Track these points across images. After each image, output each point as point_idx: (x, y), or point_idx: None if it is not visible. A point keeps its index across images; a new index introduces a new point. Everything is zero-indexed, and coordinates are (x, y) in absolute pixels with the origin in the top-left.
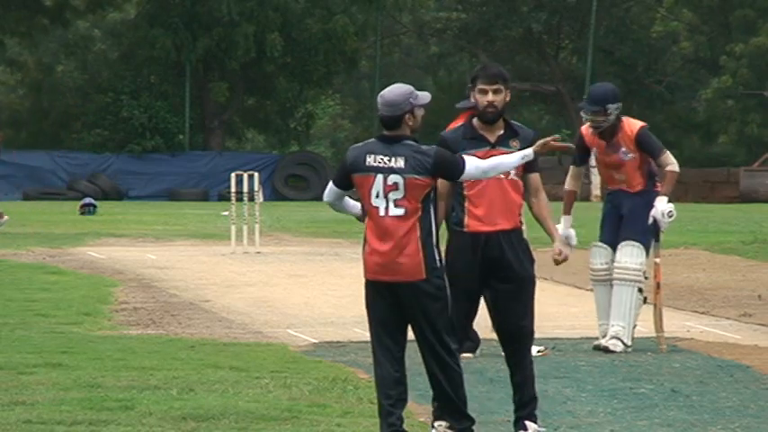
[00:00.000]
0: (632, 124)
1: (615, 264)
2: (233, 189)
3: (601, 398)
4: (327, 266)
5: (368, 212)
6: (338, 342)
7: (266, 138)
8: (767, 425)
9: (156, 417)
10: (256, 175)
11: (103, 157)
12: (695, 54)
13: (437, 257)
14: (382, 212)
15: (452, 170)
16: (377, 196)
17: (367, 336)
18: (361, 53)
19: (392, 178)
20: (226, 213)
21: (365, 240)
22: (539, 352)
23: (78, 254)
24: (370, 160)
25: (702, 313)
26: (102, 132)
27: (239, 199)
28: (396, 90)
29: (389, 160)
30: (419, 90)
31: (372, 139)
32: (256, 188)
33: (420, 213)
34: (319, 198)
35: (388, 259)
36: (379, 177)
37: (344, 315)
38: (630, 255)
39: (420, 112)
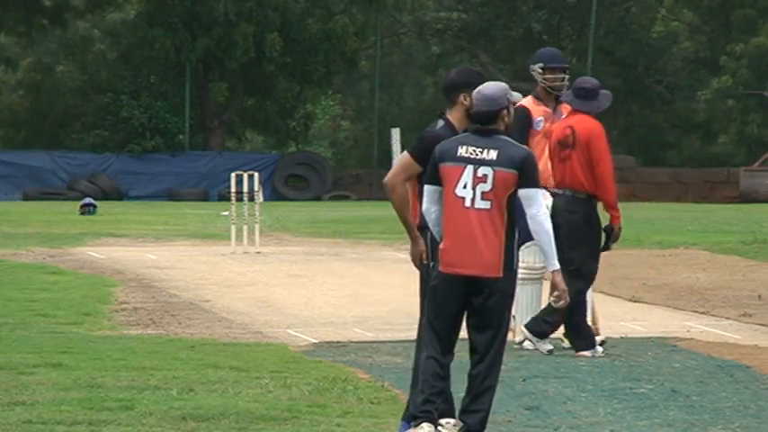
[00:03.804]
0: None
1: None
2: (233, 189)
3: (601, 398)
4: (327, 266)
5: (448, 204)
6: (338, 342)
7: (265, 138)
8: (767, 425)
9: (156, 417)
10: (256, 175)
11: (103, 157)
12: (695, 54)
13: (515, 259)
14: (468, 204)
15: (531, 178)
16: (464, 187)
17: (367, 336)
18: (361, 53)
19: (482, 170)
20: (226, 213)
21: (441, 232)
22: (548, 352)
23: (78, 254)
24: (461, 151)
25: (702, 313)
26: (101, 133)
27: (239, 199)
28: (494, 86)
29: (482, 152)
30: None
31: (465, 133)
32: (256, 188)
33: (505, 210)
34: (319, 198)
35: (467, 252)
36: (470, 168)
37: (344, 315)
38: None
39: (512, 110)
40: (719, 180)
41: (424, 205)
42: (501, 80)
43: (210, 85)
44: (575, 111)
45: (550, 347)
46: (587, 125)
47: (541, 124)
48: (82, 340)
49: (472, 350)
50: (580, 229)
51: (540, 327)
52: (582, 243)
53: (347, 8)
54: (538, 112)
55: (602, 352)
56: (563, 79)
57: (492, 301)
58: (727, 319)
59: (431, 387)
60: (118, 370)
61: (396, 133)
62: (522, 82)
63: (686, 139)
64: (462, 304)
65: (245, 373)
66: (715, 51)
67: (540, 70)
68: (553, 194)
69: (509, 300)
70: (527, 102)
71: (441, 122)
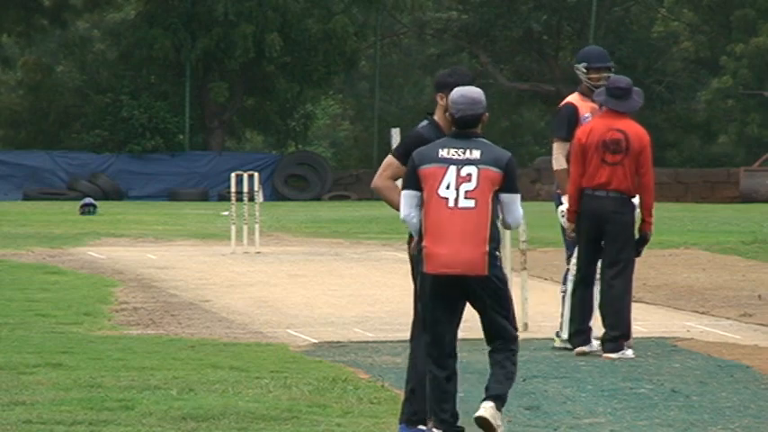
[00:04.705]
0: None
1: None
2: (233, 189)
3: (601, 398)
4: (327, 266)
5: (431, 205)
6: (338, 342)
7: (265, 138)
8: (767, 425)
9: (156, 417)
10: (256, 175)
11: (103, 157)
12: (695, 54)
13: (497, 253)
14: (451, 204)
15: (513, 182)
16: (447, 187)
17: (367, 336)
18: (361, 53)
19: (466, 169)
20: (226, 213)
21: (423, 234)
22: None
23: (78, 254)
24: (443, 153)
25: (702, 313)
26: (101, 133)
27: (239, 199)
28: (475, 89)
29: (464, 152)
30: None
31: (442, 138)
32: (256, 188)
33: (488, 208)
34: (319, 198)
35: (453, 251)
36: (452, 168)
37: (344, 315)
38: None
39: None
40: (719, 180)
41: (404, 211)
42: (501, 80)
43: (210, 85)
44: (612, 111)
45: (630, 353)
46: (638, 132)
47: (589, 119)
48: (82, 340)
49: (490, 339)
50: (631, 230)
51: (614, 343)
52: (632, 243)
53: (347, 8)
54: (585, 108)
55: (599, 346)
56: (608, 78)
57: (485, 297)
58: (727, 319)
59: (442, 411)
60: (118, 370)
61: (396, 133)
62: (522, 82)
63: (686, 139)
64: (453, 305)
65: (245, 373)
66: (715, 51)
67: (585, 69)
68: (591, 196)
69: (504, 293)
70: (574, 98)
71: (424, 122)
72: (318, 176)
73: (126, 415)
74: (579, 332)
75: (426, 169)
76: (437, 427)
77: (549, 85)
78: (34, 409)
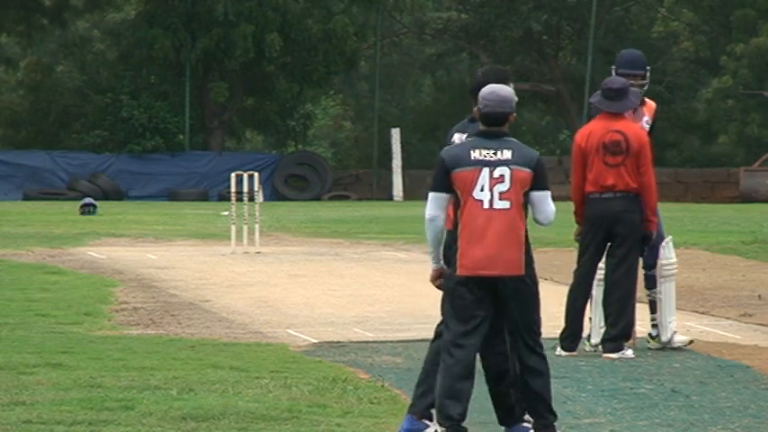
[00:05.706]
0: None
1: (669, 260)
2: (233, 189)
3: (601, 398)
4: (327, 266)
5: (467, 208)
6: (338, 342)
7: (265, 138)
8: (767, 425)
9: (156, 417)
10: (256, 175)
11: (103, 157)
12: (695, 54)
13: (531, 253)
14: (486, 205)
15: (544, 180)
16: (481, 189)
17: (367, 336)
18: (361, 53)
19: (499, 170)
20: (226, 213)
21: (457, 236)
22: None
23: (78, 254)
24: (475, 154)
25: (702, 313)
26: (101, 133)
27: (239, 199)
28: (505, 88)
29: (495, 153)
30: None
31: (471, 138)
32: (256, 188)
33: (522, 209)
34: (319, 198)
35: (491, 253)
36: (485, 170)
37: (344, 315)
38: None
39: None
40: (719, 180)
41: (432, 212)
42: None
43: (210, 85)
44: (607, 113)
45: (630, 353)
46: (637, 132)
47: None
48: (82, 340)
49: (512, 349)
50: (640, 230)
51: (615, 343)
52: (639, 243)
53: (347, 8)
54: None
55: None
56: (636, 84)
57: (520, 298)
58: (727, 319)
59: (450, 408)
60: (118, 370)
61: (396, 133)
62: (522, 82)
63: (686, 139)
64: (483, 308)
65: (245, 373)
66: (715, 51)
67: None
68: (598, 199)
69: (536, 294)
70: None
71: (474, 123)
72: (318, 176)
73: (126, 415)
74: (572, 336)
75: (460, 172)
76: (441, 424)
77: (549, 85)
78: (34, 409)
